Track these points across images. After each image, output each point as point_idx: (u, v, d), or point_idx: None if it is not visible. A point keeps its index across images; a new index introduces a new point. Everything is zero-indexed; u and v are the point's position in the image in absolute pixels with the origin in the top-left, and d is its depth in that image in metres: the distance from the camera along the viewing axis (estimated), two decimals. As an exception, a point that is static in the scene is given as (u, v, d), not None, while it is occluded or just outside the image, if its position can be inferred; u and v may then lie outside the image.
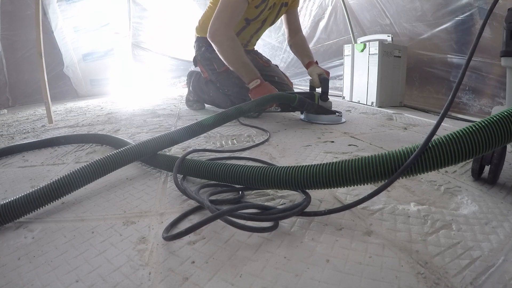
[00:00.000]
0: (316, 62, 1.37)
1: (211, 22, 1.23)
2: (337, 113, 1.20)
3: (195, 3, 3.68)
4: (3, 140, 1.21)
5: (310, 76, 1.30)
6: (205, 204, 0.46)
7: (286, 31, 1.52)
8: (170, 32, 3.61)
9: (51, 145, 1.00)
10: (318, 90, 1.27)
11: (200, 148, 0.84)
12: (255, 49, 1.66)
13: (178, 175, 0.62)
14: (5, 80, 2.73)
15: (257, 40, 1.60)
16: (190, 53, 3.57)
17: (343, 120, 1.21)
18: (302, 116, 1.26)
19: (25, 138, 1.22)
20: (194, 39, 1.56)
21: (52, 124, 1.49)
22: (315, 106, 1.16)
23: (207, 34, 1.24)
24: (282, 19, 1.51)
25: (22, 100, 2.80)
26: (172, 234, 0.41)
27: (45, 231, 0.47)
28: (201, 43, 1.49)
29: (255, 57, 1.57)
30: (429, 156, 0.40)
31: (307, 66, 1.36)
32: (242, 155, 0.79)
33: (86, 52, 3.19)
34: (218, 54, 1.25)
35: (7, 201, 0.48)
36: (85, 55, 3.19)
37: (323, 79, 1.22)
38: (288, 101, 1.09)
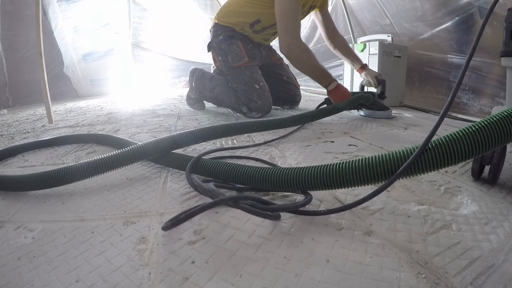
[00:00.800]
0: (366, 65, 1.44)
1: (280, 37, 1.24)
2: (390, 109, 1.33)
3: (195, 3, 3.68)
4: (3, 140, 1.21)
5: (367, 79, 1.38)
6: (210, 189, 0.46)
7: (323, 33, 1.50)
8: (170, 32, 3.61)
9: (50, 145, 1.00)
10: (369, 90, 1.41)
11: (200, 148, 0.84)
12: (270, 44, 1.65)
13: (181, 173, 0.62)
14: (5, 80, 2.73)
15: (276, 37, 1.58)
16: (190, 53, 3.61)
17: (394, 115, 1.34)
18: (361, 113, 1.37)
19: (25, 138, 1.22)
20: (211, 25, 1.51)
21: (52, 124, 1.49)
22: (379, 103, 1.31)
23: (280, 49, 1.25)
24: (316, 22, 1.50)
25: (22, 100, 2.80)
26: (171, 222, 0.41)
27: (45, 231, 0.47)
28: (220, 30, 1.44)
29: (269, 53, 1.57)
30: (429, 157, 0.40)
31: (361, 69, 1.41)
32: (242, 155, 0.79)
33: (86, 52, 3.19)
34: (295, 67, 1.29)
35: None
36: (85, 55, 3.19)
37: (382, 81, 1.35)
38: (366, 100, 1.25)
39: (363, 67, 1.42)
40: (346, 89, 1.29)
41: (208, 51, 1.57)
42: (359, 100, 1.24)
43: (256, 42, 1.48)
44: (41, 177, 0.58)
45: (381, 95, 1.36)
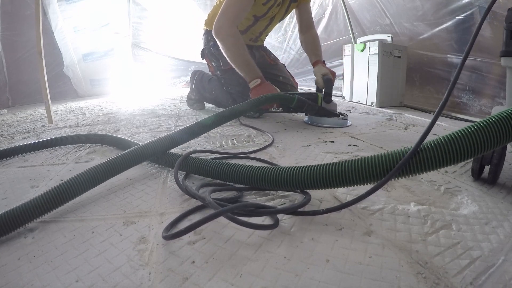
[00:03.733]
0: (324, 62, 1.33)
1: (216, 18, 1.22)
2: (341, 116, 1.14)
3: (195, 3, 3.68)
4: (3, 140, 1.21)
5: (315, 76, 1.25)
6: (207, 200, 0.46)
7: (298, 26, 1.48)
8: (170, 32, 3.61)
9: (50, 146, 1.00)
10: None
11: (200, 148, 0.84)
12: (264, 45, 1.64)
13: (181, 173, 0.62)
14: (5, 80, 2.73)
15: (266, 36, 1.58)
16: (190, 53, 3.62)
17: (349, 123, 1.14)
18: (305, 119, 1.22)
19: (25, 138, 1.22)
20: (202, 32, 1.54)
21: (52, 124, 1.49)
22: (316, 107, 1.10)
23: (212, 31, 1.23)
24: (294, 14, 1.48)
25: (22, 100, 2.80)
26: (172, 233, 0.41)
27: (45, 231, 0.47)
28: (210, 36, 1.45)
29: (263, 54, 1.57)
30: (424, 157, 0.41)
31: (313, 65, 1.31)
32: (242, 155, 0.79)
33: (86, 52, 3.18)
34: (222, 51, 1.24)
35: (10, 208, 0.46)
36: (85, 55, 3.19)
37: (326, 80, 1.16)
38: (286, 101, 1.04)
39: (316, 63, 1.28)
40: (274, 89, 1.15)
41: (202, 59, 1.59)
42: (269, 101, 0.97)
43: (247, 45, 1.47)
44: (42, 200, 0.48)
45: (325, 97, 1.14)
